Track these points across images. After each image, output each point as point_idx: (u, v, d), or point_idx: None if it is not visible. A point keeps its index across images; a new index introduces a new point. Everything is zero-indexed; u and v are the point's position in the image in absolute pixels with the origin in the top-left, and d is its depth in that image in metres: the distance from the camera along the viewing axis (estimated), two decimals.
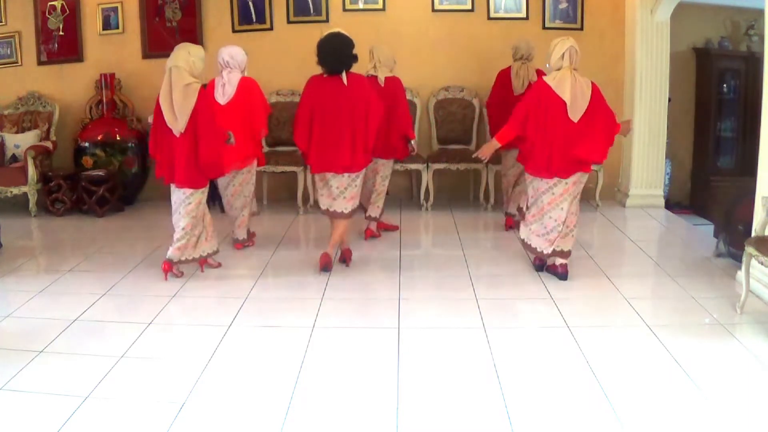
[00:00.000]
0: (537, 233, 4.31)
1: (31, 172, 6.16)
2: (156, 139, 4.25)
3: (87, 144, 6.38)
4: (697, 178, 7.28)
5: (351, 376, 3.11)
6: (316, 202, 6.39)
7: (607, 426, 2.64)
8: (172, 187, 4.27)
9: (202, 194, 4.29)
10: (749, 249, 3.69)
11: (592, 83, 4.13)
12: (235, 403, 2.84)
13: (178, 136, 4.07)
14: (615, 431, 2.61)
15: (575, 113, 4.06)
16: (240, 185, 4.92)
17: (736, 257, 4.45)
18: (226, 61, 4.73)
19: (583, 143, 4.06)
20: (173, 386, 2.97)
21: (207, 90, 4.29)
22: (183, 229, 4.25)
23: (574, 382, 3.00)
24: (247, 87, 4.75)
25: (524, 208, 4.52)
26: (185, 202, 4.23)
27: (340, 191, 4.39)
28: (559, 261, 4.31)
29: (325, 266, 4.42)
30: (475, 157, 4.53)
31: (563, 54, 4.07)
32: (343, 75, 4.23)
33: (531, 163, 4.23)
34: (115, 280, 4.37)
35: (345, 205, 4.42)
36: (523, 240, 4.46)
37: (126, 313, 3.85)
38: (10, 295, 4.20)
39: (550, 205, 4.20)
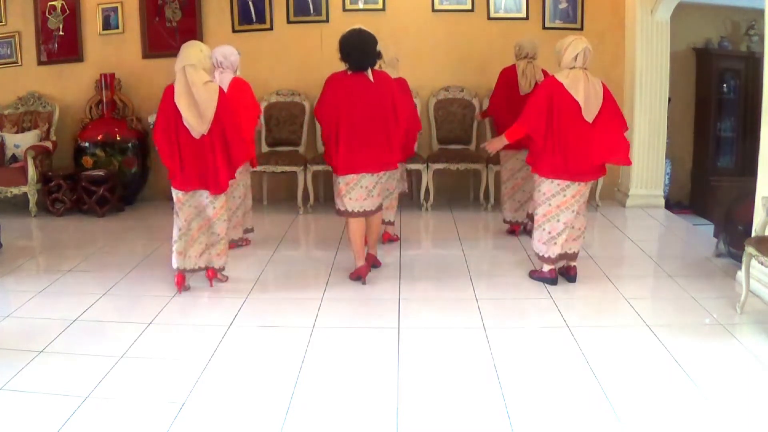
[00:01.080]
0: (543, 240, 4.16)
1: (31, 172, 6.16)
2: (170, 145, 3.92)
3: (87, 144, 6.38)
4: (697, 178, 7.28)
5: (351, 376, 3.11)
6: (317, 202, 6.45)
7: (607, 426, 2.64)
8: (183, 195, 3.98)
9: (225, 196, 4.10)
10: (749, 249, 3.69)
11: (602, 83, 4.03)
12: (235, 403, 2.84)
13: (198, 138, 3.85)
14: (615, 431, 2.61)
15: (589, 114, 3.95)
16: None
17: (736, 257, 4.45)
18: (219, 61, 4.67)
19: (605, 145, 3.96)
20: (173, 386, 2.97)
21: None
22: (218, 234, 4.10)
23: (574, 382, 3.00)
24: (238, 88, 4.67)
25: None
26: (211, 206, 4.03)
27: (369, 190, 4.21)
28: (570, 263, 4.26)
29: (374, 264, 4.46)
30: (482, 148, 4.49)
31: (577, 55, 3.96)
32: (369, 71, 4.07)
33: (541, 164, 4.07)
34: (115, 280, 4.37)
35: (375, 202, 4.28)
36: (536, 253, 4.27)
37: (126, 313, 3.85)
38: (10, 295, 4.20)
39: (560, 208, 4.06)
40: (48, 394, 2.88)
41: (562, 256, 4.21)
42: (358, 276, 4.29)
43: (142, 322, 3.67)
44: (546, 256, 4.18)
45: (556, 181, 4.04)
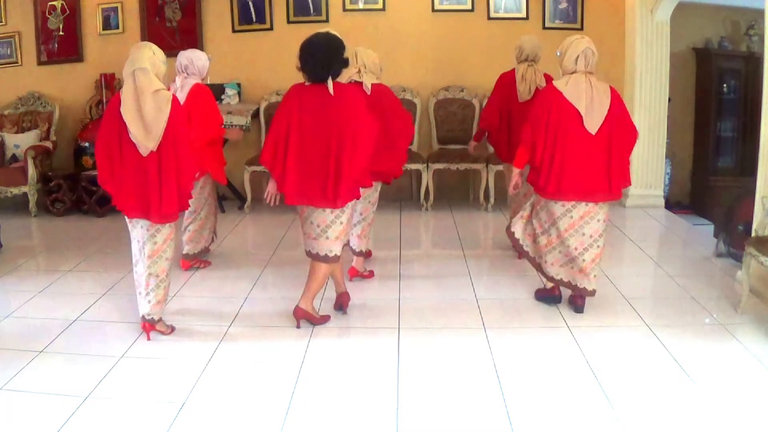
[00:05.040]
0: (558, 263, 3.77)
1: (31, 172, 6.16)
2: (110, 162, 3.37)
3: (87, 144, 6.38)
4: (697, 178, 7.28)
5: (351, 376, 3.11)
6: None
7: (607, 426, 2.64)
8: (130, 221, 3.44)
9: (171, 228, 3.45)
10: (749, 249, 3.69)
11: (611, 88, 3.62)
12: (235, 403, 2.84)
13: (146, 155, 3.29)
14: (615, 431, 2.61)
15: (592, 125, 3.54)
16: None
17: (736, 257, 4.45)
18: (184, 65, 4.31)
19: (613, 167, 3.61)
20: (173, 386, 2.97)
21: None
22: (157, 276, 3.44)
23: (574, 382, 3.00)
24: (198, 94, 4.28)
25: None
26: (151, 240, 3.39)
27: (321, 230, 3.48)
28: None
29: (303, 320, 3.64)
30: (510, 194, 4.18)
31: (577, 57, 3.56)
32: (329, 83, 3.38)
33: (543, 183, 3.66)
34: (115, 280, 4.37)
35: (329, 247, 3.49)
36: (547, 273, 3.86)
37: (126, 313, 3.85)
38: (10, 295, 4.21)
39: (568, 231, 3.67)
40: (48, 394, 2.88)
41: (574, 288, 3.78)
42: (340, 305, 3.83)
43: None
44: (558, 278, 3.81)
45: (560, 202, 3.67)
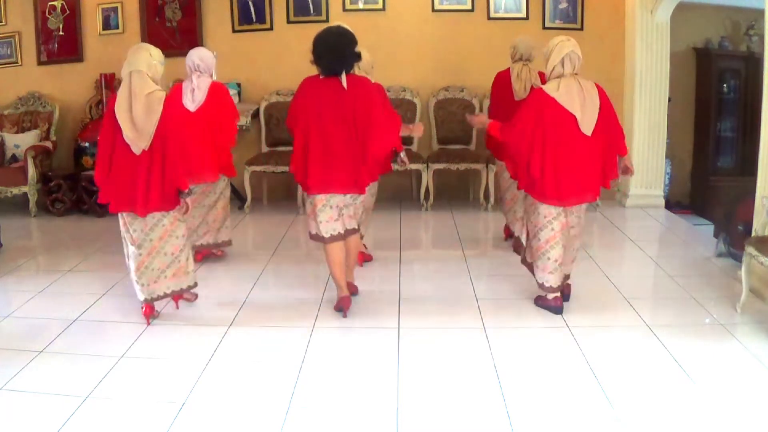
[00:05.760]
0: (549, 269, 3.73)
1: (31, 172, 6.16)
2: (106, 160, 3.50)
3: (87, 144, 6.38)
4: (697, 178, 7.28)
5: (351, 376, 3.11)
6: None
7: (607, 426, 2.64)
8: (127, 216, 3.57)
9: (177, 211, 3.61)
10: (749, 249, 3.69)
11: (597, 86, 3.61)
12: (235, 403, 2.84)
13: (139, 153, 3.42)
14: (615, 431, 2.61)
15: (588, 126, 3.53)
16: (202, 194, 4.50)
17: (736, 257, 4.45)
18: (196, 64, 4.39)
19: (606, 165, 3.67)
20: (173, 386, 2.97)
21: (172, 97, 3.63)
22: (171, 254, 3.65)
23: (574, 382, 3.00)
24: (217, 92, 4.43)
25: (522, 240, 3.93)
26: (159, 224, 3.58)
27: (339, 210, 3.71)
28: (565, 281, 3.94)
29: (351, 293, 3.90)
30: (467, 117, 4.34)
31: (563, 60, 3.54)
32: (343, 76, 3.51)
33: (539, 189, 3.64)
34: (115, 280, 4.37)
35: (349, 223, 3.78)
36: (541, 283, 3.80)
37: (126, 313, 3.85)
38: (10, 295, 4.21)
39: (562, 231, 3.69)
40: (48, 394, 2.88)
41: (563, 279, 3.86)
42: (340, 308, 3.80)
43: (142, 322, 3.67)
44: (556, 285, 3.76)
45: (555, 206, 3.67)
